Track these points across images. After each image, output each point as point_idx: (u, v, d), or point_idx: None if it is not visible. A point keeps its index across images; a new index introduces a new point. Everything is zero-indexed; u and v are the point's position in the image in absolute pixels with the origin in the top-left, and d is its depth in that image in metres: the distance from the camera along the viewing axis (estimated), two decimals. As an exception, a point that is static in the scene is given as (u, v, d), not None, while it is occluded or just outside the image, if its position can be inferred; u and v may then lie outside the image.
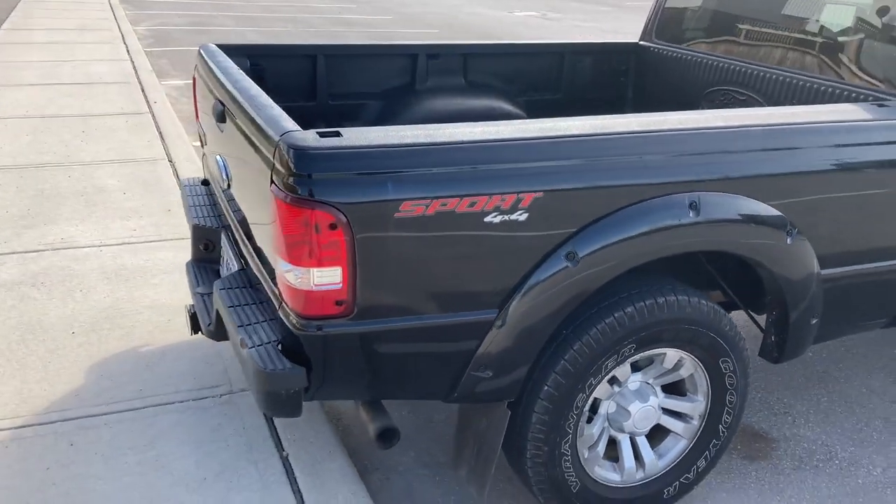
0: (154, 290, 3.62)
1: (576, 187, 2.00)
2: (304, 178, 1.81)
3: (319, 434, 2.67)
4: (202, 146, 3.23)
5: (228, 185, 2.52)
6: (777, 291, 2.40)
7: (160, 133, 6.26)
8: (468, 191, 1.90)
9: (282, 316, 2.02)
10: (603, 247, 2.05)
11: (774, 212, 2.26)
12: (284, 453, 2.55)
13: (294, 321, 1.95)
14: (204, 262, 2.90)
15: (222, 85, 2.46)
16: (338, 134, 1.88)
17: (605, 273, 2.09)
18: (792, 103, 2.97)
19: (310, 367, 1.98)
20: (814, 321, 2.51)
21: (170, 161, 5.54)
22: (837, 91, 2.83)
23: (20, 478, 2.38)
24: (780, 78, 3.05)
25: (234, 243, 2.64)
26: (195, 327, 2.68)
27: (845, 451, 2.96)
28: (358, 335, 1.96)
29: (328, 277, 1.88)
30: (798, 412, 3.18)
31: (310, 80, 3.30)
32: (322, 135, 1.87)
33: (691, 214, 2.13)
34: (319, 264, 1.86)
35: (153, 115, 6.84)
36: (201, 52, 3.05)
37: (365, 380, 2.06)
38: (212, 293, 2.67)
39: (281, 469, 2.48)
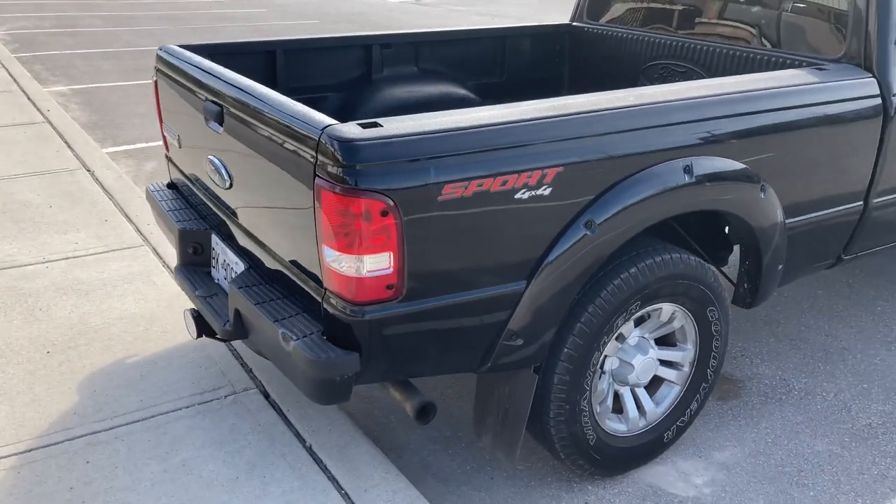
0: (120, 301, 3.53)
1: (590, 159, 2.16)
2: (353, 169, 1.88)
3: (334, 423, 2.72)
4: (167, 150, 3.18)
5: (230, 185, 2.52)
6: (753, 242, 2.66)
7: (66, 142, 5.98)
8: (500, 170, 2.02)
9: (327, 305, 2.07)
10: (616, 213, 2.22)
11: (750, 170, 2.51)
12: (308, 444, 2.60)
13: (344, 308, 2.01)
14: (193, 266, 2.87)
15: (219, 85, 2.46)
16: (377, 124, 1.95)
17: (618, 238, 2.27)
18: (732, 73, 3.25)
19: (360, 351, 2.05)
20: (780, 267, 2.80)
21: (87, 170, 5.32)
22: (774, 59, 3.12)
23: (45, 501, 2.32)
24: (718, 50, 3.32)
25: (233, 243, 2.64)
26: (201, 331, 2.66)
27: (800, 382, 3.30)
28: (407, 316, 2.05)
29: (380, 263, 1.96)
30: (753, 353, 3.50)
31: (271, 75, 3.30)
32: (364, 126, 1.94)
33: (686, 177, 2.34)
34: (371, 251, 1.94)
35: (51, 124, 6.51)
36: (162, 54, 3.00)
37: (410, 358, 2.15)
38: (213, 295, 2.68)
39: (309, 459, 2.53)
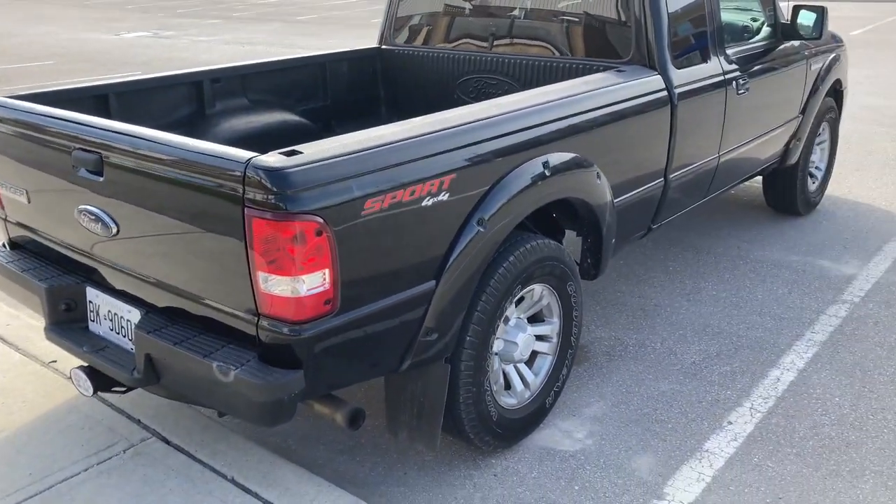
0: (-43, 380, 3.21)
1: (476, 164, 2.45)
2: (283, 195, 2.00)
3: (248, 454, 2.75)
4: (2, 210, 2.98)
5: (116, 233, 2.46)
6: (594, 221, 3.10)
7: None
8: (409, 181, 2.24)
9: (262, 330, 2.15)
10: (500, 208, 2.53)
11: (588, 159, 2.93)
12: (230, 477, 2.61)
13: (283, 329, 2.11)
14: (64, 324, 2.73)
15: (101, 134, 2.40)
16: (297, 152, 2.08)
17: (503, 230, 2.57)
18: (541, 82, 3.70)
19: (303, 368, 2.15)
20: (613, 241, 3.27)
21: None
22: (574, 66, 3.62)
23: None
24: (526, 62, 3.77)
25: (120, 291, 2.58)
26: (98, 386, 2.56)
27: (631, 339, 3.84)
28: (342, 327, 2.19)
29: (317, 280, 2.08)
30: (587, 321, 3.98)
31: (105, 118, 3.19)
32: (286, 154, 2.05)
33: (546, 171, 2.70)
34: (308, 270, 2.06)
35: None
36: None
37: (346, 367, 2.29)
38: (103, 348, 2.59)
39: (239, 490, 2.54)
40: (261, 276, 2.08)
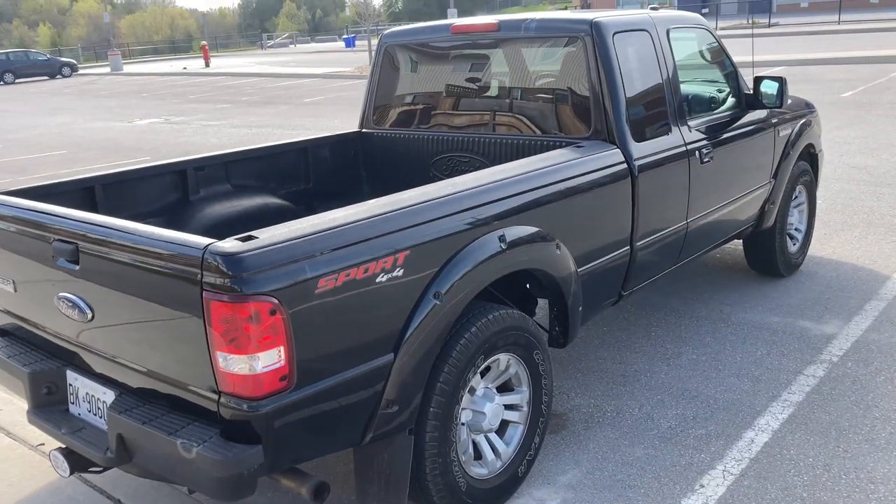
0: (-53, 465, 3.31)
1: (429, 240, 2.58)
2: (238, 278, 2.13)
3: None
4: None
5: (91, 318, 2.60)
6: (557, 290, 3.21)
7: None
8: (361, 259, 2.37)
9: (223, 407, 2.25)
10: (456, 281, 2.65)
11: (545, 232, 3.06)
12: (203, 553, 2.67)
13: (241, 406, 2.21)
14: (46, 407, 2.85)
15: (73, 225, 2.56)
16: (252, 237, 2.22)
17: (461, 302, 2.69)
18: (509, 158, 3.87)
19: (261, 442, 2.24)
20: (580, 308, 3.37)
21: None
22: (538, 142, 3.79)
23: None
24: (494, 140, 3.95)
25: (96, 374, 2.70)
26: (74, 467, 2.66)
27: (609, 405, 3.89)
28: (300, 402, 2.29)
29: (272, 358, 2.20)
30: (567, 389, 4.05)
31: (91, 209, 3.37)
32: (242, 240, 2.20)
33: (502, 245, 2.83)
34: (263, 348, 2.17)
35: None
36: None
37: (305, 441, 2.38)
38: (80, 429, 2.70)
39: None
40: (220, 355, 2.20)
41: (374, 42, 34.33)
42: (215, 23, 76.70)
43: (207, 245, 2.18)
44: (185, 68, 39.18)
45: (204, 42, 45.40)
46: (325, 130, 4.46)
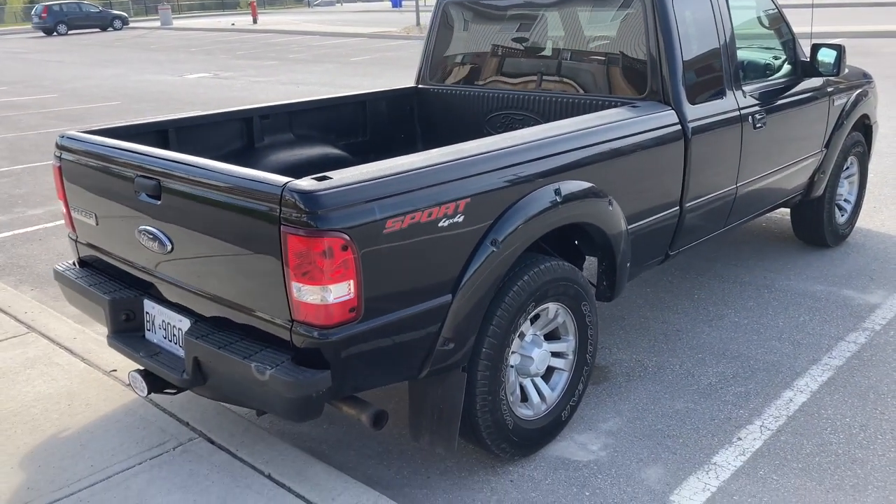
0: (29, 385, 3.56)
1: (489, 190, 2.71)
2: (314, 214, 2.28)
3: (284, 454, 3.01)
4: (74, 231, 3.34)
5: (171, 250, 2.78)
6: (608, 246, 3.32)
7: None
8: (426, 204, 2.51)
9: (296, 334, 2.42)
10: (513, 231, 2.77)
11: (599, 188, 3.17)
12: (267, 473, 2.87)
13: (313, 333, 2.38)
14: (124, 333, 3.06)
15: (158, 163, 2.74)
16: (327, 177, 2.37)
17: (516, 251, 2.81)
18: (563, 117, 3.95)
19: (330, 369, 2.42)
20: (628, 265, 3.48)
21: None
22: (593, 102, 3.87)
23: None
24: (549, 98, 4.03)
25: (172, 303, 2.90)
26: (152, 387, 2.87)
27: (650, 361, 4.01)
28: (366, 333, 2.45)
29: (342, 290, 2.36)
30: (610, 344, 4.17)
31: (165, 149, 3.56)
32: (318, 179, 2.35)
33: (557, 198, 2.94)
34: (335, 281, 2.33)
35: None
36: (67, 142, 3.19)
37: (369, 371, 2.55)
38: (157, 353, 2.90)
39: (273, 484, 2.80)
40: (294, 285, 2.36)
41: (423, 2, 33.86)
42: (263, -21, 76.71)
43: (286, 183, 2.33)
44: (233, 24, 39.43)
45: (252, -1, 45.53)
46: (373, 90, 4.57)
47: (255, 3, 42.67)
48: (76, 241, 3.38)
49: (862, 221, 5.87)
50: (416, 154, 2.65)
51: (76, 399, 3.44)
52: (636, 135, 3.40)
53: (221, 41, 30.42)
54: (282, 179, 2.36)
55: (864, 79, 5.43)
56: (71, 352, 3.88)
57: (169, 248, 2.79)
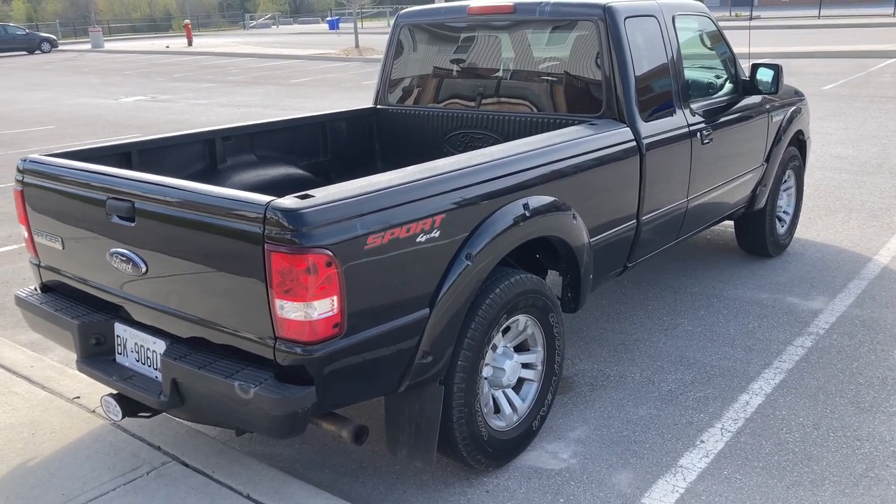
0: (-13, 415, 3.47)
1: (462, 205, 2.78)
2: (298, 232, 2.32)
3: (260, 474, 3.00)
4: (36, 256, 3.28)
5: (145, 272, 2.77)
6: (573, 258, 3.42)
7: None
8: (404, 220, 2.57)
9: (279, 352, 2.44)
10: (485, 245, 2.85)
11: (564, 202, 3.28)
12: (245, 493, 2.86)
13: (297, 350, 2.41)
14: (95, 357, 3.02)
15: (131, 185, 2.73)
16: (310, 196, 2.41)
17: (489, 264, 2.89)
18: (522, 136, 4.07)
19: (314, 384, 2.44)
20: (591, 276, 3.59)
21: None
22: (551, 121, 3.99)
23: None
24: (508, 117, 4.14)
25: (146, 325, 2.87)
26: (126, 411, 2.83)
27: (612, 370, 4.13)
28: (349, 348, 2.49)
29: (327, 306, 2.39)
30: (572, 356, 4.27)
31: (129, 173, 3.53)
32: (300, 198, 2.38)
33: (526, 212, 3.04)
34: (319, 297, 2.37)
35: None
36: (30, 165, 3.14)
37: (352, 385, 2.58)
38: (130, 377, 2.87)
39: (253, 504, 2.80)
40: (278, 303, 2.38)
41: (360, 25, 33.96)
42: (195, 2, 75.87)
43: (269, 202, 2.36)
44: (167, 47, 38.84)
45: (187, 21, 44.99)
46: (331, 111, 4.62)
47: (189, 25, 42.17)
48: (38, 265, 3.32)
49: (799, 232, 6.16)
50: (394, 171, 2.70)
51: (40, 428, 3.36)
52: (596, 150, 3.53)
53: (157, 64, 29.94)
54: (264, 198, 2.39)
55: (797, 96, 5.72)
56: (29, 380, 3.78)
57: (143, 269, 2.78)
